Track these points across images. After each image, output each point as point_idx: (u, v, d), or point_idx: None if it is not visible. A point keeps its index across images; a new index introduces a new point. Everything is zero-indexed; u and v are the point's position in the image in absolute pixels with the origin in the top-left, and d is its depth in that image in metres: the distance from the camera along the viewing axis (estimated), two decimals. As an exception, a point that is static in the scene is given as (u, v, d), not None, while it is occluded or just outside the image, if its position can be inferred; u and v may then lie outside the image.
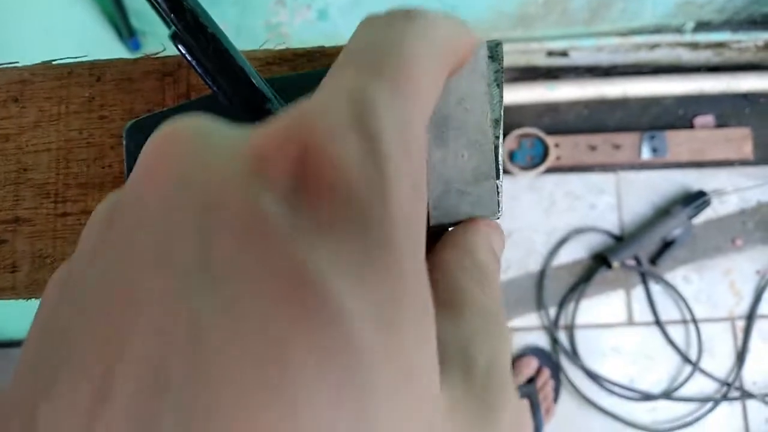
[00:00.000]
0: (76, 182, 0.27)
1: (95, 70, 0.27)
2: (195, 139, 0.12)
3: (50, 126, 0.27)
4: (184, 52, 0.23)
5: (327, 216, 0.11)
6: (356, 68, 0.13)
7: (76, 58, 0.27)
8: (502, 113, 0.24)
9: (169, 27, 0.24)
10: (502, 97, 0.24)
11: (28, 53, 0.29)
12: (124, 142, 0.26)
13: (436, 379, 0.12)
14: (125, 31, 1.09)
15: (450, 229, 0.21)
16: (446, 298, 0.16)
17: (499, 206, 0.25)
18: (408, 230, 0.11)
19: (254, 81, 0.23)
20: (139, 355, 0.10)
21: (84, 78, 0.27)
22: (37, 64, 0.27)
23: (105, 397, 0.09)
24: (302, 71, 0.28)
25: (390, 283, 0.11)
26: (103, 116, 0.27)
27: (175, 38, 0.24)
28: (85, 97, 0.27)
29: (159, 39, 1.13)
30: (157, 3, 0.22)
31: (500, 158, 0.24)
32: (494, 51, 0.24)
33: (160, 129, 0.12)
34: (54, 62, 0.27)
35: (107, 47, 1.09)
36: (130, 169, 0.27)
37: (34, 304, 0.28)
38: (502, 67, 0.24)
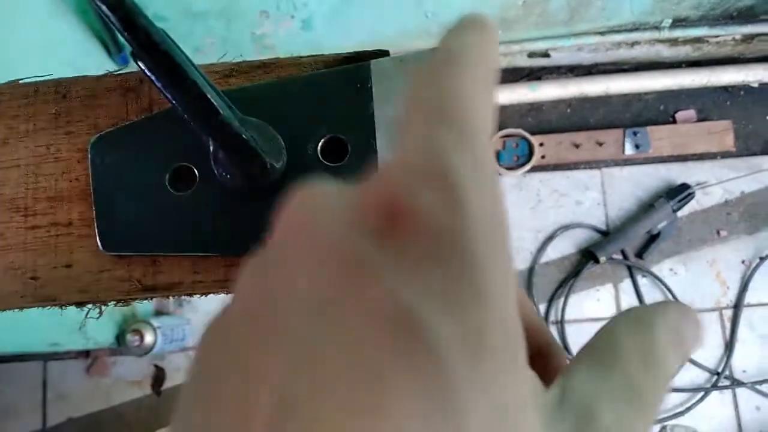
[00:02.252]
0: (45, 196, 0.28)
1: (61, 87, 0.28)
2: (312, 207, 0.14)
3: (19, 142, 0.28)
4: (143, 68, 0.25)
5: (413, 254, 0.12)
6: (424, 121, 0.14)
7: (41, 76, 0.28)
8: None
9: (130, 45, 0.25)
10: None
11: (16, 70, 0.30)
12: (89, 156, 0.28)
13: (533, 413, 0.13)
14: (113, 46, 1.10)
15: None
16: (601, 356, 0.16)
17: None
18: (490, 256, 0.13)
19: (208, 95, 0.25)
20: (273, 383, 0.12)
21: (50, 95, 0.28)
22: (3, 83, 0.28)
23: (247, 419, 0.12)
24: (258, 82, 0.29)
25: (475, 310, 0.12)
26: (70, 132, 0.28)
27: (134, 55, 0.25)
28: (52, 114, 0.28)
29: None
30: (112, 22, 0.23)
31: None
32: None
33: (290, 199, 0.15)
34: (20, 81, 0.28)
35: (96, 63, 1.10)
36: (96, 181, 0.28)
37: (9, 316, 0.30)
38: None
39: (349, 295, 0.12)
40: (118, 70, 0.28)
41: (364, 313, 0.12)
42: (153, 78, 0.25)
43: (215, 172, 0.28)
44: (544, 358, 0.20)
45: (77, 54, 1.02)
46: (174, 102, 0.25)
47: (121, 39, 1.10)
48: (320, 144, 0.29)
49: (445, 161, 0.13)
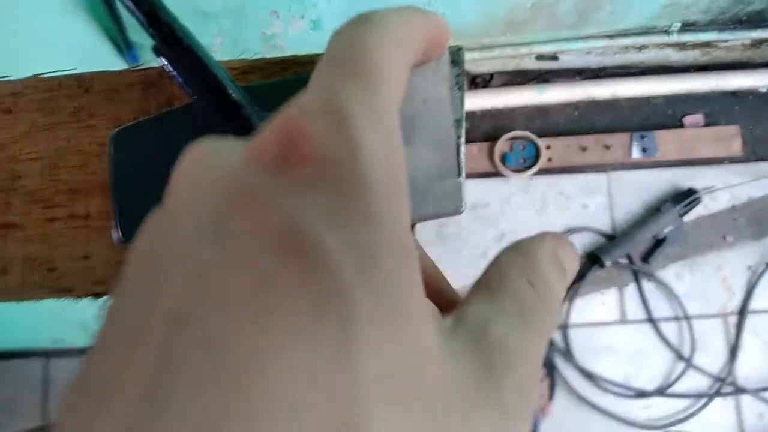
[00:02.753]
0: (65, 188, 0.28)
1: (83, 82, 0.29)
2: (207, 154, 0.15)
3: (41, 135, 0.28)
4: (164, 63, 0.25)
5: (307, 178, 0.13)
6: (326, 70, 0.15)
7: (65, 70, 0.28)
8: (464, 114, 0.26)
9: (154, 40, 0.25)
10: (463, 99, 0.26)
11: (24, 67, 0.31)
12: (108, 149, 0.28)
13: (427, 324, 0.14)
14: (123, 44, 1.10)
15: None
16: (490, 285, 0.18)
17: (462, 202, 0.26)
18: (380, 181, 0.14)
19: (229, 89, 0.25)
20: (168, 302, 0.12)
21: (73, 90, 0.29)
22: (28, 77, 0.28)
23: (141, 334, 0.12)
24: (276, 79, 0.30)
25: (366, 226, 0.13)
26: (91, 125, 0.29)
27: (156, 51, 0.25)
28: (74, 108, 0.29)
29: (154, 50, 1.15)
30: (137, 17, 0.24)
31: (462, 156, 0.26)
32: (456, 56, 0.26)
33: (185, 152, 0.16)
34: (44, 75, 0.29)
35: (106, 61, 1.11)
36: (115, 174, 0.28)
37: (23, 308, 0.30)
38: (463, 71, 0.26)
39: (240, 218, 0.13)
40: (140, 65, 0.28)
41: (255, 232, 0.12)
42: (175, 73, 0.25)
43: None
44: (441, 303, 0.21)
45: (87, 51, 1.03)
46: (195, 97, 0.25)
47: (131, 37, 1.11)
48: None
49: (342, 104, 0.14)
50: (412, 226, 0.23)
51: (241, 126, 0.26)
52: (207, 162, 0.15)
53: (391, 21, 0.17)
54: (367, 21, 0.16)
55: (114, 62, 1.12)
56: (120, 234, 0.28)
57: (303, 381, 0.11)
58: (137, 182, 0.28)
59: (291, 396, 0.11)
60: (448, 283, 0.21)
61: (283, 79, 0.30)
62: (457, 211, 0.26)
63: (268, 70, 0.30)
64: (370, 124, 0.14)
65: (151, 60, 0.29)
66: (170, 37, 0.24)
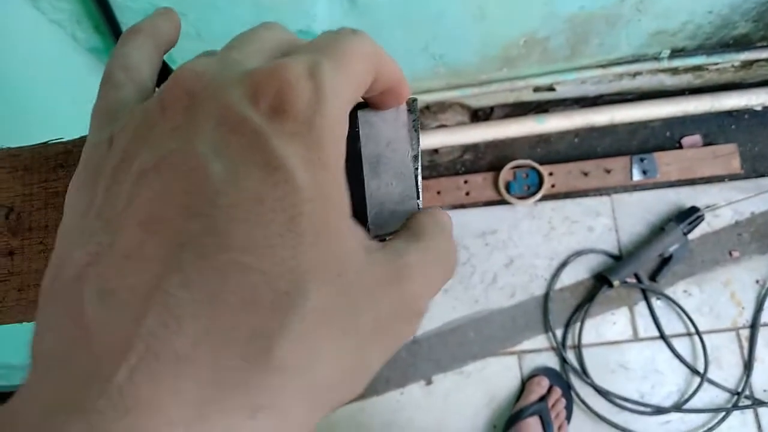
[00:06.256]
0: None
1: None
2: (208, 74, 0.20)
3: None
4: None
5: (290, 125, 0.18)
6: (313, 50, 0.21)
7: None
8: (419, 151, 0.32)
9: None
10: (419, 139, 0.32)
11: (58, 127, 0.37)
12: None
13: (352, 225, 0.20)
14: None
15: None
16: None
17: None
18: (331, 134, 0.19)
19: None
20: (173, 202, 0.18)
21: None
22: (76, 138, 0.35)
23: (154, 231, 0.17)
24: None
25: (320, 162, 0.18)
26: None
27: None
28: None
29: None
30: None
31: (419, 184, 0.32)
32: (411, 105, 0.32)
33: (182, 67, 0.20)
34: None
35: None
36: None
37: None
38: (417, 117, 0.32)
39: (238, 144, 0.18)
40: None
41: (249, 153, 0.18)
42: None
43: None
44: None
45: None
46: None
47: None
48: None
49: (320, 71, 0.19)
50: (383, 240, 0.29)
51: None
52: (207, 81, 0.19)
53: (366, 42, 0.22)
54: (355, 32, 0.22)
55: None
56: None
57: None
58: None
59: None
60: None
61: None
62: None
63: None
64: (333, 97, 0.19)
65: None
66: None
